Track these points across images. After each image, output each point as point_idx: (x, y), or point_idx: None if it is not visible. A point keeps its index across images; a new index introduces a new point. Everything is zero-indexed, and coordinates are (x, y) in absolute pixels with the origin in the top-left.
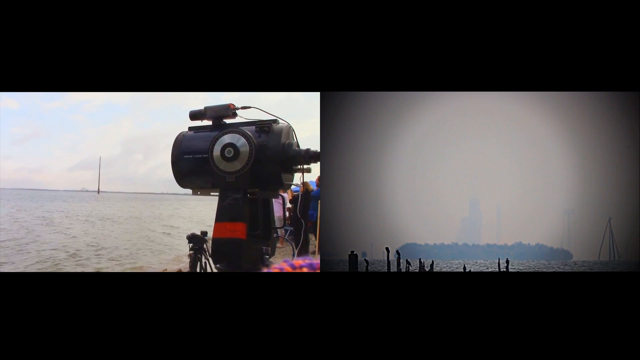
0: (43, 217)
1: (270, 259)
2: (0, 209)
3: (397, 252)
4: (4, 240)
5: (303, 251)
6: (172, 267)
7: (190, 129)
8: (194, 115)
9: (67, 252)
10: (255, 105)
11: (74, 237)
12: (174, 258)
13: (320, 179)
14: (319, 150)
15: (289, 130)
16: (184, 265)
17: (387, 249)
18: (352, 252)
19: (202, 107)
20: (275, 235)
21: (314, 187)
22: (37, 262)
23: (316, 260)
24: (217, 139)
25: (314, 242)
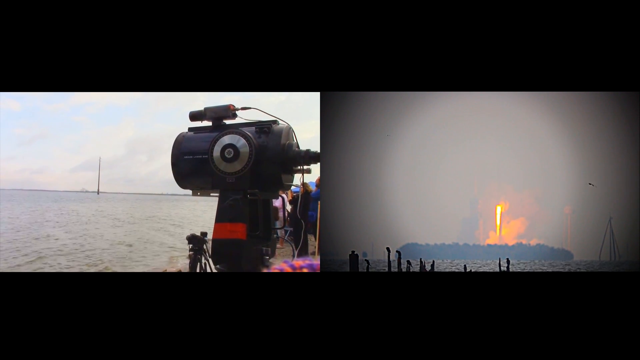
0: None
1: (270, 260)
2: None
3: (398, 252)
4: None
5: (303, 252)
6: (172, 268)
7: (190, 129)
8: (194, 116)
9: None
10: (256, 106)
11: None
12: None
13: (320, 179)
14: (318, 151)
15: (289, 131)
16: (183, 266)
17: (387, 249)
18: (353, 252)
19: (202, 108)
20: (275, 235)
21: (313, 187)
22: None
23: (316, 261)
24: (217, 140)
25: (313, 243)
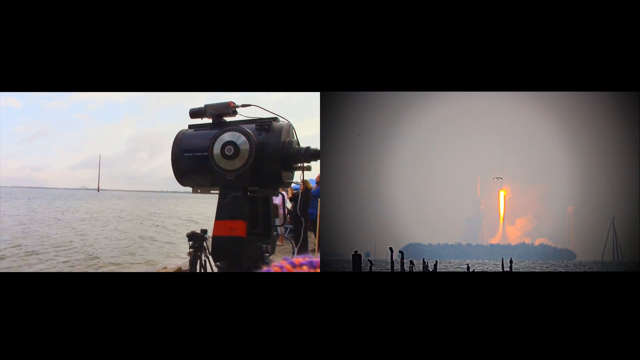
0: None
1: (270, 257)
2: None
3: (401, 252)
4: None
5: (303, 249)
6: (172, 266)
7: (190, 126)
8: (194, 113)
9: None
10: (256, 103)
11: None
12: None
13: (320, 178)
14: (319, 148)
15: (289, 128)
16: (183, 264)
17: (390, 248)
18: (356, 252)
19: (202, 105)
20: (275, 233)
21: (313, 185)
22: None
23: (316, 258)
24: (217, 137)
25: (313, 241)
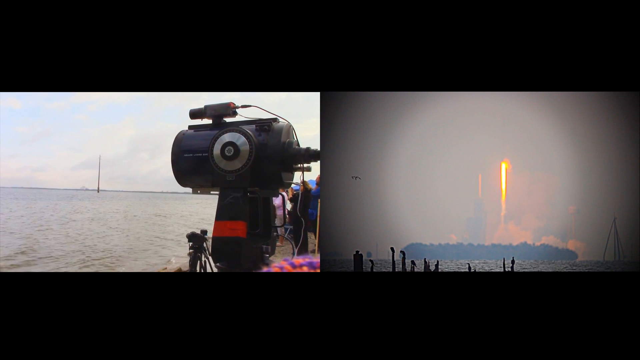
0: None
1: (270, 258)
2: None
3: (402, 252)
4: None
5: (303, 250)
6: (172, 267)
7: (190, 127)
8: (194, 114)
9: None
10: (257, 104)
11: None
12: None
13: (320, 178)
14: (319, 149)
15: (289, 128)
16: (183, 264)
17: (392, 248)
18: (357, 252)
19: (202, 106)
20: (275, 233)
21: (313, 186)
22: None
23: (316, 259)
24: (217, 138)
25: (313, 241)
